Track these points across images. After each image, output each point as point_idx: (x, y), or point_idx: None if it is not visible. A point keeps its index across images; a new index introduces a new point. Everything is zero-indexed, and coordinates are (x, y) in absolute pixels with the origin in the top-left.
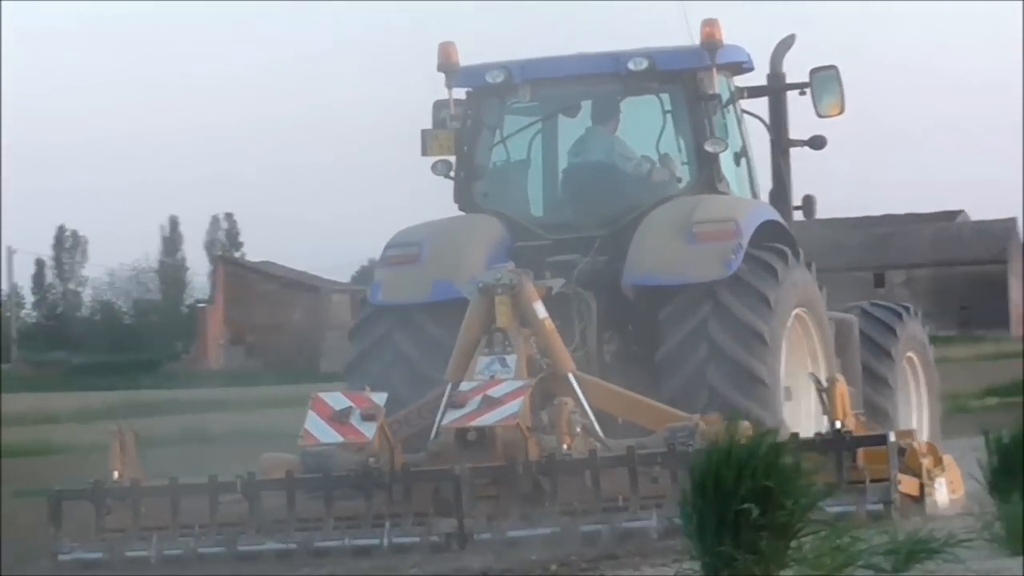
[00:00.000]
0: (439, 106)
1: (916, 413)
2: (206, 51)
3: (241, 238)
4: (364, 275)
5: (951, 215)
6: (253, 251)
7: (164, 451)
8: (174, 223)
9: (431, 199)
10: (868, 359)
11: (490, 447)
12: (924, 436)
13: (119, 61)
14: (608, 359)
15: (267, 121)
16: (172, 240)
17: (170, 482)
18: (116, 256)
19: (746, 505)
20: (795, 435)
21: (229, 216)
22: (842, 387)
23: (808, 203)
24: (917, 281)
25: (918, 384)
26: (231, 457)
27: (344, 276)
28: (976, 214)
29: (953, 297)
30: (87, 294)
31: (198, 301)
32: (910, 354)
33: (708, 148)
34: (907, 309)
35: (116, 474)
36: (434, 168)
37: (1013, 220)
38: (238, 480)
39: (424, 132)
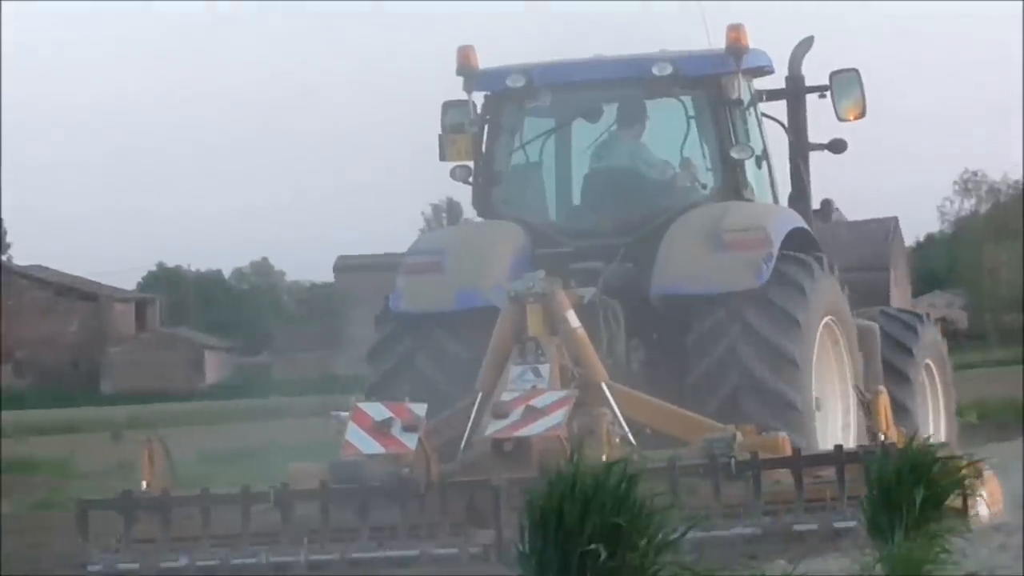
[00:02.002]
0: (447, 107)
1: (934, 419)
2: None
3: (8, 239)
4: (151, 281)
5: (824, 214)
6: (21, 254)
7: None
8: None
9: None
10: (889, 371)
11: (526, 457)
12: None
13: None
14: (635, 368)
15: (37, 113)
16: None
17: (201, 492)
18: None
19: (593, 546)
20: (839, 447)
21: None
22: (884, 399)
23: (826, 206)
24: None
25: (935, 391)
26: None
27: (128, 283)
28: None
29: None
30: None
31: None
32: (928, 362)
33: (734, 155)
34: (921, 318)
35: (144, 484)
36: (452, 174)
37: (894, 220)
38: (271, 490)
39: (441, 137)
